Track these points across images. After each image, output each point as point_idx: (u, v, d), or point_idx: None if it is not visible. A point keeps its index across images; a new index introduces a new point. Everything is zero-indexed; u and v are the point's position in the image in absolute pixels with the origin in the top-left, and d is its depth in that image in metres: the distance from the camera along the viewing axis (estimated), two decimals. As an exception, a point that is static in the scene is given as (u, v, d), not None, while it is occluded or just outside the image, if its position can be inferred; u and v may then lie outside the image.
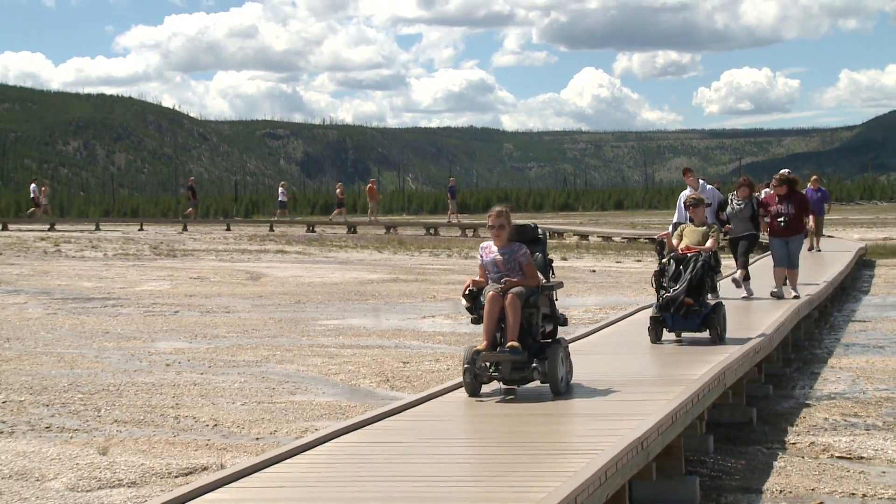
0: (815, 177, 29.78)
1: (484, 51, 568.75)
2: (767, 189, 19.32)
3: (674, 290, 12.23)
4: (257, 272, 29.99)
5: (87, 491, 8.68)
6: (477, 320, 9.60)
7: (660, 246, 12.98)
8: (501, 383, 9.50)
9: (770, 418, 11.96)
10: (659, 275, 12.56)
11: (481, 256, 9.87)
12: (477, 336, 10.71)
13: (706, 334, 12.40)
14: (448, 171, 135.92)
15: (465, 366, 9.38)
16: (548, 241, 10.15)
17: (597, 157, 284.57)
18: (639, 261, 33.14)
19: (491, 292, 9.41)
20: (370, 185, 58.25)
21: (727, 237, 17.17)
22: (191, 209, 57.05)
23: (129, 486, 8.83)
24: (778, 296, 16.76)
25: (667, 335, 12.62)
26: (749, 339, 12.31)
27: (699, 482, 8.88)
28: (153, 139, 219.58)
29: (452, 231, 49.69)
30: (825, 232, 33.05)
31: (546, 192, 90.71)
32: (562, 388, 9.40)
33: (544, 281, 9.81)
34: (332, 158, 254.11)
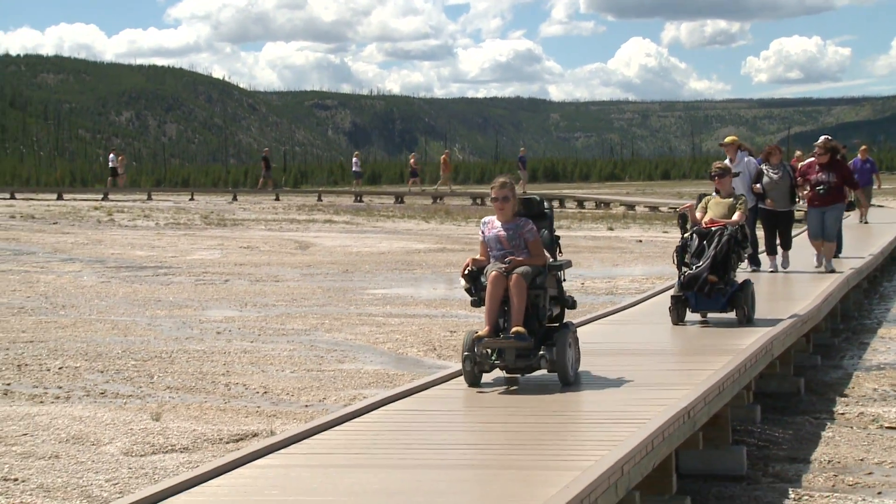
0: (864, 147, 29.25)
1: (531, 20, 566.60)
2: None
3: (697, 268, 11.34)
4: (306, 241, 30.11)
5: (141, 455, 8.77)
6: (477, 303, 8.73)
7: (682, 219, 12.05)
8: (504, 372, 8.67)
9: (818, 388, 11.89)
10: (681, 250, 11.67)
11: (483, 232, 8.93)
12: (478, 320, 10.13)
13: (733, 315, 11.52)
14: (495, 142, 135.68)
15: (465, 353, 8.47)
16: (553, 213, 9.30)
17: (643, 126, 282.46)
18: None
19: (493, 272, 8.53)
20: (444, 156, 57.85)
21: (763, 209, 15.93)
22: (263, 179, 57.05)
23: (181, 452, 8.92)
24: (821, 267, 16.05)
25: (691, 316, 11.74)
26: (795, 310, 12.19)
27: (746, 452, 8.85)
28: (203, 110, 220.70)
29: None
30: (874, 202, 32.63)
31: (593, 163, 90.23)
32: (571, 378, 8.54)
33: (551, 260, 8.92)
34: (379, 129, 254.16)
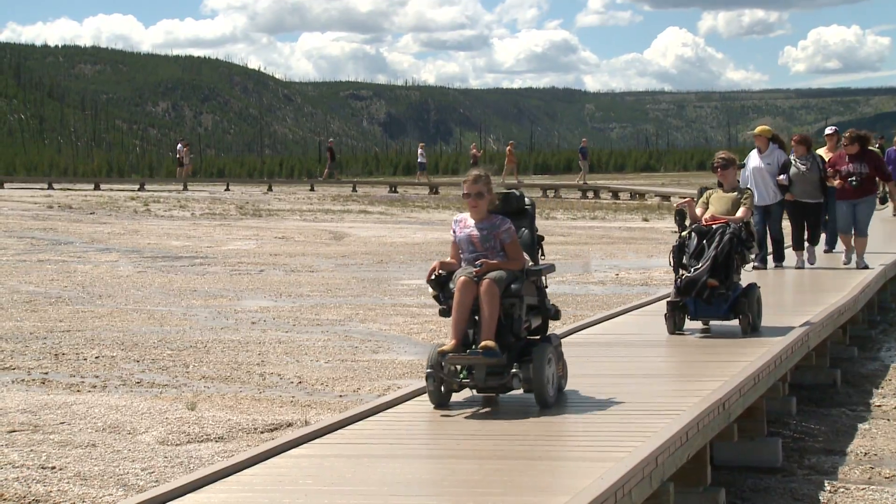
0: None
1: (567, 10, 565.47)
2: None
3: (695, 270, 9.97)
4: (340, 232, 30.17)
5: (177, 445, 8.82)
6: (446, 312, 7.60)
7: (679, 216, 10.56)
8: (475, 391, 7.60)
9: (855, 380, 11.80)
10: (678, 251, 10.27)
11: (454, 231, 7.91)
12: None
13: (736, 323, 10.21)
14: (529, 132, 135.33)
15: (428, 370, 7.38)
16: (535, 211, 8.18)
17: (679, 117, 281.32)
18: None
19: (462, 277, 7.43)
20: (509, 147, 57.74)
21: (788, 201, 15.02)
22: (328, 170, 56.89)
23: (216, 441, 8.96)
24: (849, 264, 15.18)
25: (691, 324, 10.40)
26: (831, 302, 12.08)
27: (781, 444, 8.81)
28: (239, 100, 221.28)
29: (573, 193, 48.73)
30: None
31: (628, 153, 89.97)
32: (550, 400, 7.41)
33: (531, 263, 7.84)
34: (414, 119, 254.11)
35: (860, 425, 9.86)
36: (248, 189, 53.50)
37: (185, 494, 5.59)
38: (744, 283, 10.33)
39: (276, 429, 9.26)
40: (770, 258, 15.39)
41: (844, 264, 15.17)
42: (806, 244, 15.40)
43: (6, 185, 52.78)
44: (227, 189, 52.63)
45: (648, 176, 69.67)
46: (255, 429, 9.29)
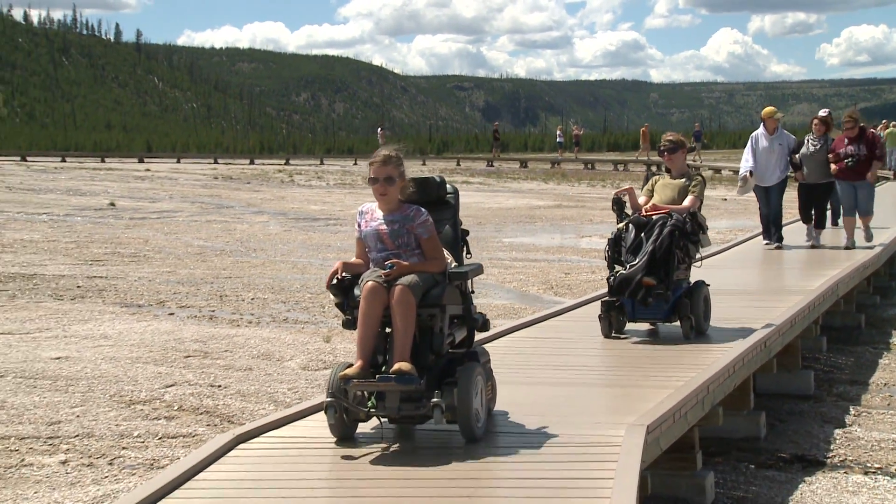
0: None
1: (637, 15, 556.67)
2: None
3: (631, 267, 7.34)
4: (448, 198, 30.13)
5: (315, 370, 8.94)
6: (350, 323, 5.13)
7: (617, 205, 7.69)
8: (388, 422, 5.16)
9: (877, 323, 11.52)
10: (614, 244, 7.53)
11: (358, 225, 5.37)
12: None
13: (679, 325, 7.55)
14: (603, 117, 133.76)
15: (328, 399, 4.94)
16: (459, 201, 5.56)
17: (729, 104, 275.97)
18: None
19: (369, 283, 4.99)
20: (644, 128, 55.67)
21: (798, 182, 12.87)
22: (495, 150, 56.43)
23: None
24: (850, 247, 12.52)
25: (636, 326, 7.79)
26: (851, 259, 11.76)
27: (814, 375, 8.65)
28: (365, 91, 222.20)
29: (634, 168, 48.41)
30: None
31: (686, 134, 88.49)
32: (478, 432, 4.96)
33: (454, 265, 5.40)
34: (507, 106, 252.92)
35: (880, 360, 9.64)
36: (373, 164, 53.61)
37: (312, 414, 5.52)
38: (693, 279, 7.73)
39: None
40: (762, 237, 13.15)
41: (846, 248, 12.54)
42: (813, 226, 12.94)
43: (182, 160, 53.84)
44: (356, 163, 52.90)
45: (703, 153, 68.35)
46: (379, 358, 9.34)
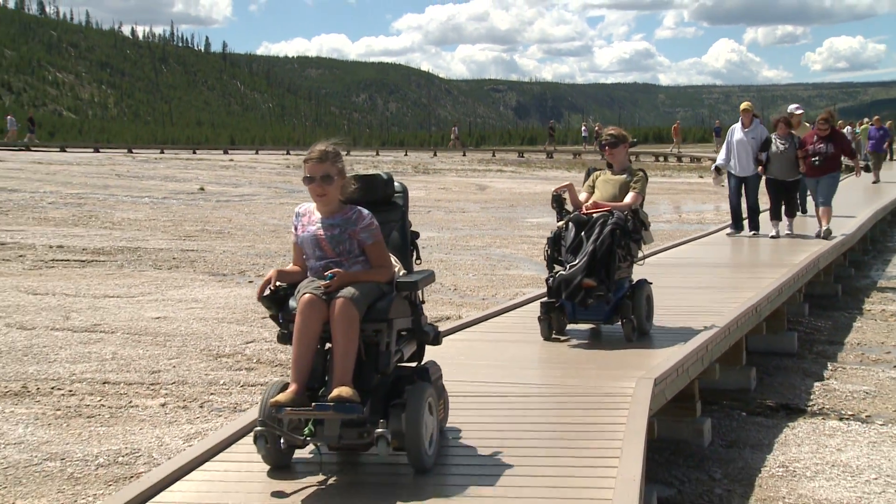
0: (877, 117, 26.36)
1: (648, 27, 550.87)
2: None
3: (571, 268, 6.07)
4: (484, 185, 30.10)
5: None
6: (285, 337, 3.86)
7: (557, 202, 6.49)
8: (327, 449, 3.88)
9: (852, 292, 11.35)
10: (553, 243, 6.32)
11: (295, 228, 4.08)
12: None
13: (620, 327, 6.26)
14: (618, 115, 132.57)
15: (258, 428, 3.72)
16: (408, 201, 4.48)
17: (726, 104, 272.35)
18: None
19: (306, 294, 3.74)
20: (675, 125, 53.85)
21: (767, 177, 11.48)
22: (551, 146, 55.20)
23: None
24: (826, 237, 11.20)
25: (578, 328, 6.48)
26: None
27: (797, 336, 8.57)
28: (414, 93, 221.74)
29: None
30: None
31: (689, 130, 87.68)
32: (428, 461, 3.76)
33: (402, 273, 4.15)
34: (536, 106, 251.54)
35: (854, 324, 9.52)
36: (420, 154, 53.64)
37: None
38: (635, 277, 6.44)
39: (439, 321, 9.32)
40: (746, 225, 11.95)
41: (816, 237, 11.38)
42: (784, 217, 11.70)
43: (259, 152, 54.12)
44: (406, 154, 52.86)
45: (704, 145, 67.49)
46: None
